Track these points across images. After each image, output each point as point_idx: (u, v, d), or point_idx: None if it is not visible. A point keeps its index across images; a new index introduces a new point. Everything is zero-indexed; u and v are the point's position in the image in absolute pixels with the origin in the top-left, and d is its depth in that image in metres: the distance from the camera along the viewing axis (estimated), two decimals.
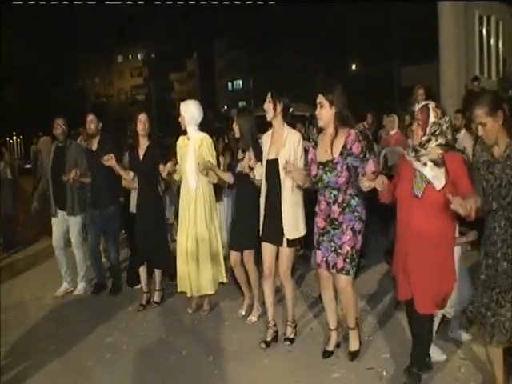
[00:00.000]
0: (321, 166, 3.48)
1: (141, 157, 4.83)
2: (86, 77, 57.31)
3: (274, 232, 3.85)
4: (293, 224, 3.82)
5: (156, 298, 5.06)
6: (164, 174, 4.51)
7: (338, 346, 3.86)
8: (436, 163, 2.99)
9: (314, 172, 3.52)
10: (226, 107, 45.75)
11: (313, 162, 3.55)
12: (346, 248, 3.49)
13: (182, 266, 4.59)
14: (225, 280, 4.74)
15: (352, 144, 3.39)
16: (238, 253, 4.47)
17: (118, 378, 3.76)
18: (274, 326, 4.11)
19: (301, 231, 3.87)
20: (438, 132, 3.01)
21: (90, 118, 5.20)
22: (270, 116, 3.89)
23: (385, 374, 3.50)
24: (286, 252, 3.88)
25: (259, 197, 4.01)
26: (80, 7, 40.94)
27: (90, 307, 5.21)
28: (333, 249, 3.53)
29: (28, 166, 18.57)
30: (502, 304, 2.83)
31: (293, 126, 4.23)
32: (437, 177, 2.99)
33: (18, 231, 8.49)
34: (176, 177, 4.68)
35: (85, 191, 5.35)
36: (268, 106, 3.86)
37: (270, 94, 3.86)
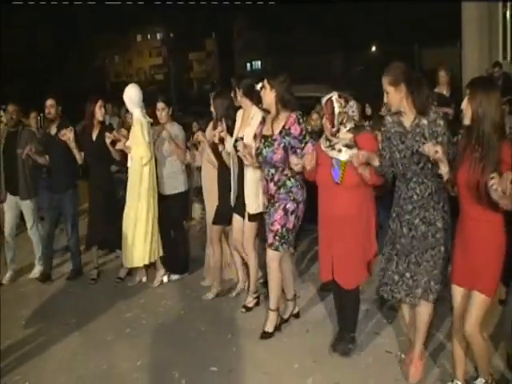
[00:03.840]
0: (262, 140, 3.70)
1: (94, 137, 4.98)
2: (106, 56, 57.39)
3: (241, 206, 4.10)
4: (253, 199, 4.00)
5: (121, 274, 5.21)
6: (107, 142, 4.74)
7: (296, 316, 4.11)
8: (349, 146, 3.27)
9: (257, 144, 3.73)
10: None
11: (258, 136, 3.77)
12: (276, 226, 3.68)
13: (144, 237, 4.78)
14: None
15: (291, 125, 3.60)
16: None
17: (137, 353, 3.79)
18: (257, 292, 4.37)
19: (261, 206, 4.01)
20: (345, 120, 3.27)
21: (50, 102, 5.14)
22: (237, 103, 4.23)
23: (403, 356, 3.47)
24: (247, 225, 4.13)
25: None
26: None
27: (108, 283, 5.24)
28: (268, 225, 3.76)
29: None
30: (419, 263, 3.08)
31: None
32: (352, 155, 3.22)
33: None
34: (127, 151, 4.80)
35: (37, 175, 5.29)
36: (233, 95, 4.26)
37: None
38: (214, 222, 4.51)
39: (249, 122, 4.08)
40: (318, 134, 5.10)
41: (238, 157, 4.05)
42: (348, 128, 3.31)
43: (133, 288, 5.02)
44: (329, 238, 3.45)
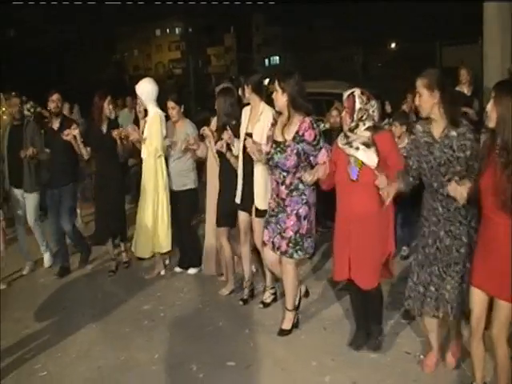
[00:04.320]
0: (274, 145, 3.60)
1: (104, 131, 5.01)
2: (125, 50, 57.71)
3: (248, 202, 4.06)
4: (263, 195, 3.96)
5: (124, 258, 5.39)
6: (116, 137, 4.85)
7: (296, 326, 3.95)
8: (367, 145, 3.21)
9: (268, 149, 3.65)
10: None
11: (269, 139, 3.68)
12: (290, 233, 3.61)
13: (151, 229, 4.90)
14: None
15: (305, 131, 3.50)
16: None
17: (155, 345, 3.80)
18: (251, 285, 4.43)
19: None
20: (364, 117, 3.23)
21: (56, 96, 5.16)
22: (245, 99, 4.15)
23: (422, 357, 3.43)
24: (256, 221, 4.06)
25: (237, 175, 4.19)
26: None
27: (125, 275, 5.28)
28: (278, 231, 3.67)
29: None
30: (443, 278, 3.05)
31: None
32: (369, 157, 3.20)
33: None
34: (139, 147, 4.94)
35: (40, 169, 5.28)
36: (241, 92, 4.17)
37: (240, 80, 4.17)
38: (220, 224, 4.47)
39: (258, 118, 4.01)
40: (337, 131, 5.03)
41: (246, 153, 3.98)
42: (367, 126, 3.27)
43: (150, 281, 5.04)
44: (346, 237, 3.39)
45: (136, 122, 5.35)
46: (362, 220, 3.31)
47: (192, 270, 5.10)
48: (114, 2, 37.57)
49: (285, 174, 3.61)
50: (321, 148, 3.55)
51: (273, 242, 3.73)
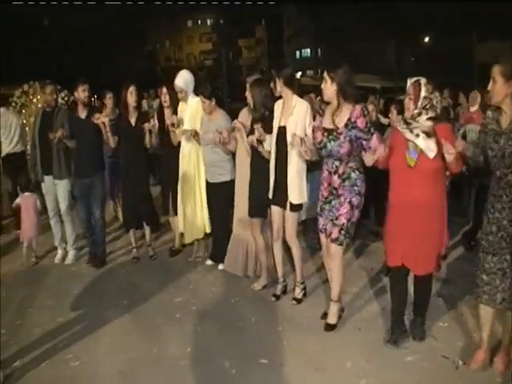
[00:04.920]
0: (325, 133, 3.61)
1: (133, 123, 5.13)
2: (157, 41, 58.06)
3: (282, 196, 4.05)
4: (297, 190, 4.00)
5: (150, 252, 5.49)
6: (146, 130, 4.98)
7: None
8: (427, 134, 3.22)
9: (319, 138, 3.65)
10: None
11: (318, 129, 3.68)
12: (342, 220, 3.64)
13: (186, 215, 5.08)
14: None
15: (357, 118, 3.52)
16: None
17: (186, 338, 3.77)
18: (284, 281, 4.41)
19: (304, 197, 4.08)
20: (428, 106, 3.23)
21: (86, 86, 5.16)
22: (277, 93, 4.10)
23: (461, 363, 3.31)
24: (290, 215, 4.09)
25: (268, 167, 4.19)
26: None
27: (158, 267, 5.28)
28: (331, 218, 3.69)
29: None
30: (505, 268, 3.03)
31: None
32: (429, 147, 3.21)
33: None
34: (178, 136, 5.02)
35: (69, 156, 5.30)
36: (272, 85, 4.12)
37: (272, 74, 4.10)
38: (253, 215, 4.43)
39: (291, 111, 3.99)
40: (374, 125, 4.89)
41: (279, 148, 4.01)
42: (429, 115, 3.26)
43: (183, 273, 5.02)
44: (400, 224, 3.38)
45: (160, 111, 5.37)
46: (417, 207, 3.30)
47: (222, 266, 5.02)
48: None
49: (337, 163, 3.63)
50: (372, 134, 3.54)
51: (325, 229, 3.76)
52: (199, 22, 61.53)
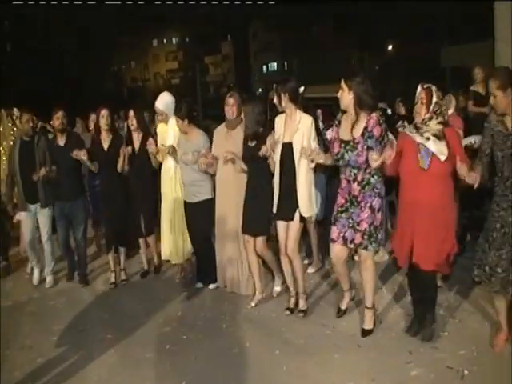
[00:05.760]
0: (343, 145, 3.64)
1: (105, 148, 5.13)
2: (122, 61, 57.60)
3: (287, 209, 4.06)
4: (307, 202, 4.02)
5: (123, 276, 5.41)
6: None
7: (352, 299, 4.19)
8: (438, 137, 3.35)
9: (336, 150, 3.68)
10: (260, 90, 45.25)
11: (335, 139, 3.71)
12: (364, 225, 3.65)
13: (170, 236, 5.03)
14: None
15: (373, 127, 3.55)
16: (251, 237, 4.43)
17: (180, 372, 3.54)
18: (297, 294, 4.32)
19: (314, 209, 4.15)
20: (438, 111, 3.37)
21: (60, 114, 5.21)
22: (281, 108, 4.09)
23: (466, 372, 3.21)
24: (295, 227, 4.07)
25: (269, 182, 4.24)
26: None
27: (140, 294, 5.04)
28: (350, 225, 3.70)
29: None
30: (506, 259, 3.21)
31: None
32: (440, 149, 3.34)
33: None
34: (159, 158, 5.01)
35: (52, 183, 5.28)
36: (276, 100, 4.09)
37: (274, 88, 4.12)
38: (258, 234, 4.35)
39: (296, 126, 3.99)
40: None
41: (284, 163, 4.02)
42: (439, 121, 3.40)
43: (168, 299, 4.78)
44: (410, 225, 3.49)
45: (129, 134, 5.34)
46: (428, 209, 3.40)
47: (212, 286, 4.91)
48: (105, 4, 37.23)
49: (355, 171, 3.66)
50: (386, 142, 3.61)
51: (343, 237, 3.73)
52: (164, 40, 61.47)
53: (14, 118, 8.26)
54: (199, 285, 4.99)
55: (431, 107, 3.37)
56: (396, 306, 4.24)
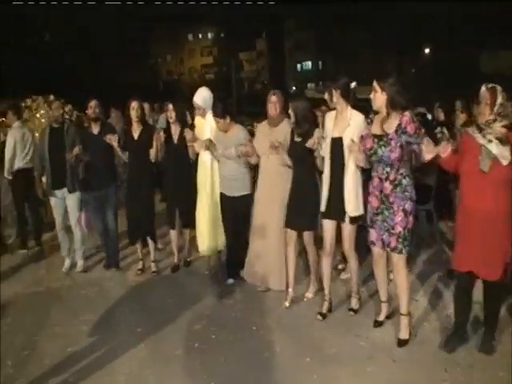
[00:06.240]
0: (376, 139, 3.60)
1: (135, 137, 5.21)
2: (158, 55, 58.14)
3: (337, 209, 4.01)
4: (355, 202, 3.97)
5: (153, 267, 5.44)
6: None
7: (389, 317, 4.05)
8: (501, 140, 3.25)
9: (368, 145, 3.64)
10: (294, 88, 45.08)
11: (367, 136, 3.68)
12: (398, 228, 3.63)
13: (205, 229, 5.09)
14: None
15: (407, 124, 3.51)
16: (294, 232, 4.45)
17: (209, 371, 3.49)
18: (330, 299, 4.31)
19: (361, 209, 4.02)
20: (503, 113, 3.28)
21: (94, 103, 5.31)
22: (332, 105, 4.11)
23: None
24: (349, 228, 4.05)
25: (318, 177, 4.27)
26: None
27: (171, 288, 5.02)
28: (386, 228, 3.68)
29: None
30: None
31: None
32: (502, 153, 3.23)
33: None
34: (196, 148, 5.01)
35: (81, 170, 5.41)
36: (328, 97, 4.15)
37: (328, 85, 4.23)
38: (305, 228, 4.39)
39: (347, 122, 3.97)
40: None
41: (333, 159, 3.99)
42: (503, 123, 3.30)
43: (198, 296, 4.74)
44: (471, 229, 3.43)
45: (168, 126, 5.39)
46: (488, 213, 3.34)
47: (230, 281, 4.99)
48: (141, 2, 37.75)
49: (388, 169, 3.61)
50: (422, 138, 3.54)
51: (382, 240, 3.72)
52: (200, 35, 61.79)
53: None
54: (230, 281, 5.00)
55: (495, 108, 3.30)
56: (432, 319, 4.11)
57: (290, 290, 4.51)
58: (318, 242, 4.45)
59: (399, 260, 3.70)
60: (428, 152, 3.48)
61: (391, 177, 3.61)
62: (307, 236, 4.42)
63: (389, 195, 3.63)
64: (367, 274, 4.78)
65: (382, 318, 4.06)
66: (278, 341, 3.86)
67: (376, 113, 3.71)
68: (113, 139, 5.07)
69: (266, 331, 4.03)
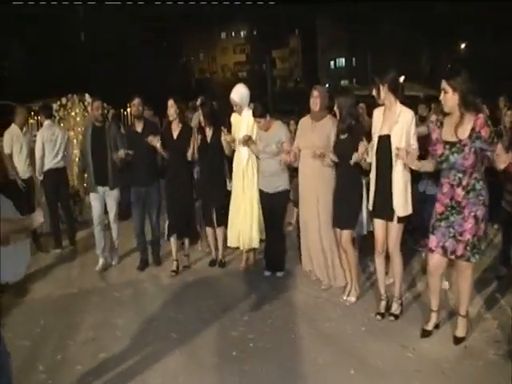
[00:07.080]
0: (447, 146, 3.43)
1: (174, 136, 5.21)
2: (191, 53, 58.43)
3: (385, 208, 3.89)
4: (403, 202, 3.85)
5: (185, 261, 5.50)
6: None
7: (436, 327, 3.80)
8: None
9: (439, 151, 3.47)
10: (328, 85, 44.50)
11: (438, 141, 3.51)
12: (467, 236, 3.46)
13: (237, 224, 5.10)
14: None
15: (481, 128, 3.34)
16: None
17: (248, 381, 3.30)
18: (387, 297, 4.16)
19: (409, 209, 3.91)
20: None
21: (137, 101, 5.36)
22: (380, 100, 3.91)
23: None
24: (396, 228, 3.92)
25: (359, 177, 4.26)
26: None
27: (205, 290, 4.88)
28: (451, 235, 3.50)
29: None
30: None
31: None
32: None
33: None
34: (234, 146, 5.11)
35: (124, 167, 5.43)
36: (375, 93, 3.92)
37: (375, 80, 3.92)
38: (343, 227, 4.34)
39: (396, 119, 3.80)
40: None
41: (380, 157, 3.85)
42: None
43: (234, 301, 4.56)
44: None
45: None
46: None
47: (279, 273, 5.08)
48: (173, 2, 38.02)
49: (460, 175, 3.44)
50: (496, 143, 3.34)
51: (443, 247, 3.53)
52: (233, 33, 61.77)
53: (86, 104, 8.52)
54: (267, 273, 5.11)
55: None
56: (481, 330, 3.81)
57: (349, 286, 4.48)
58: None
59: (467, 268, 3.55)
60: (502, 162, 3.26)
61: (464, 182, 3.44)
62: (345, 235, 4.32)
63: (461, 201, 3.45)
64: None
65: (430, 327, 3.80)
66: (319, 351, 3.62)
67: (445, 114, 3.52)
68: (155, 141, 5.09)
69: (306, 341, 3.80)
